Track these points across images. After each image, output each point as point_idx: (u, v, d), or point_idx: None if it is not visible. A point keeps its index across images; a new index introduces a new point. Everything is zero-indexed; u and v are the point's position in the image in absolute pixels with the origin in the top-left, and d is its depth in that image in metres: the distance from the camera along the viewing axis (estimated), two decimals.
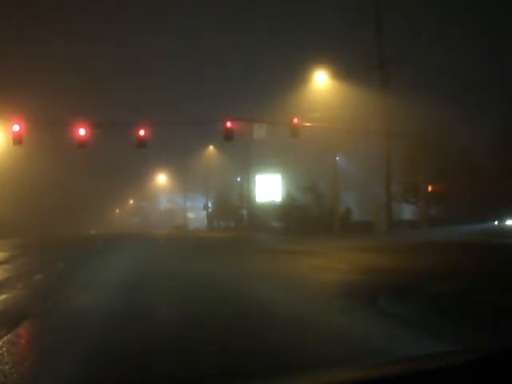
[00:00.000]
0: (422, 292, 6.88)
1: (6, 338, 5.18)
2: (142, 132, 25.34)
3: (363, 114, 28.62)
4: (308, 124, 28.02)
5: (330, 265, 12.13)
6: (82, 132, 24.91)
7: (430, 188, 28.94)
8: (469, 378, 1.83)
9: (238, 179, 53.87)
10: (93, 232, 61.79)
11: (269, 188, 46.96)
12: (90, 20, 78.08)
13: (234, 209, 52.30)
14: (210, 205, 58.86)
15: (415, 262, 12.05)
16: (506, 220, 26.68)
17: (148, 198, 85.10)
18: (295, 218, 35.00)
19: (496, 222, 27.39)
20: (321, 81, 29.85)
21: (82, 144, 25.44)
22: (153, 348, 4.80)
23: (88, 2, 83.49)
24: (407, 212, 35.73)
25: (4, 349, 4.74)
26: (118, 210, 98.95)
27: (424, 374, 1.86)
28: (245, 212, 49.83)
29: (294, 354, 4.52)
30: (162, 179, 75.47)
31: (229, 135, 25.69)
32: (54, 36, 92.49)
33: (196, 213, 69.99)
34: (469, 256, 12.57)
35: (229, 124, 25.31)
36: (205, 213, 61.05)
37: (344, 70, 28.76)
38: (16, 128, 24.24)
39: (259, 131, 27.53)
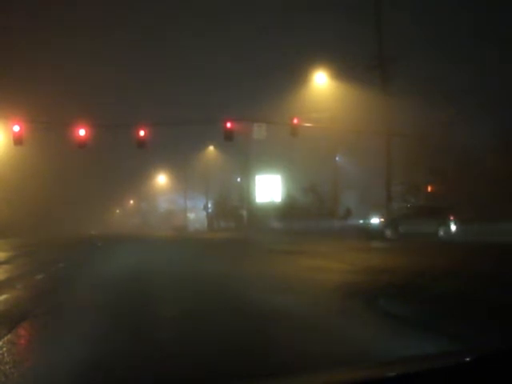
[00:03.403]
0: (422, 291, 6.89)
1: (6, 337, 5.18)
2: (141, 132, 25.38)
3: (363, 114, 28.62)
4: (308, 124, 28.06)
5: (330, 265, 12.12)
6: (82, 132, 24.95)
7: (429, 188, 28.95)
8: (469, 378, 1.83)
9: (238, 179, 53.86)
10: (93, 232, 61.78)
11: (269, 188, 46.96)
12: (89, 20, 77.98)
13: (233, 209, 52.29)
14: (209, 205, 58.84)
15: (414, 261, 12.04)
16: (371, 218, 25.48)
17: (148, 198, 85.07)
18: (295, 219, 35.02)
19: (361, 221, 26.36)
20: (321, 81, 29.90)
21: (82, 144, 25.49)
22: (151, 349, 4.80)
23: (89, 1, 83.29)
24: None
25: (4, 349, 4.74)
26: (118, 211, 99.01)
27: (424, 374, 1.86)
28: (245, 212, 49.82)
29: (294, 353, 4.52)
30: (161, 179, 75.47)
31: (229, 135, 25.73)
32: (54, 36, 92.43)
33: (196, 213, 69.98)
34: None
35: (229, 124, 25.36)
36: (205, 213, 61.04)
37: (344, 70, 28.78)
38: (16, 128, 24.28)
39: (259, 131, 27.56)
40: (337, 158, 32.88)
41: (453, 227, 23.01)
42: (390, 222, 22.83)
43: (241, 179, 52.68)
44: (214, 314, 6.45)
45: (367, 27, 28.36)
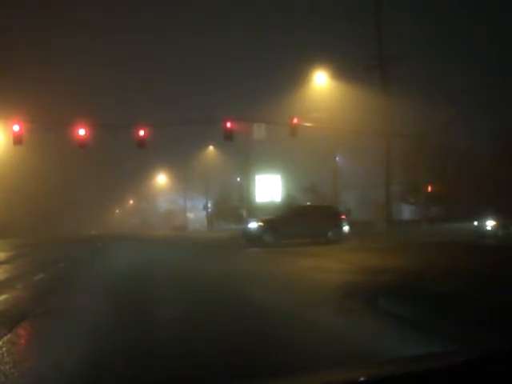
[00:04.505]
0: (423, 291, 6.89)
1: (6, 337, 5.18)
2: (141, 132, 25.36)
3: (363, 114, 28.64)
4: (308, 124, 28.06)
5: (330, 265, 12.12)
6: (82, 132, 24.93)
7: (429, 188, 28.98)
8: (469, 378, 1.83)
9: (238, 179, 53.84)
10: (92, 232, 61.74)
11: (269, 188, 46.94)
12: (89, 20, 77.96)
13: (233, 209, 52.23)
14: (209, 205, 58.81)
15: (414, 261, 12.03)
16: (248, 222, 23.08)
17: (148, 198, 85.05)
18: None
19: (242, 226, 23.26)
20: (321, 81, 29.90)
21: (82, 144, 25.47)
22: (151, 349, 4.80)
23: (89, 1, 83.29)
24: (407, 212, 35.77)
25: (4, 349, 4.74)
26: (117, 211, 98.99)
27: (424, 374, 1.86)
28: (245, 212, 49.76)
29: (294, 353, 4.52)
30: (161, 179, 75.45)
31: (229, 135, 25.72)
32: (54, 36, 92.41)
33: (196, 213, 69.92)
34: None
35: (229, 124, 25.34)
36: (205, 213, 60.99)
37: (344, 70, 28.77)
38: (16, 128, 24.27)
39: (259, 131, 27.56)
40: (337, 158, 32.85)
41: (345, 228, 21.51)
42: (269, 226, 20.70)
43: (241, 179, 52.64)
44: (214, 314, 6.45)
45: (367, 27, 28.39)
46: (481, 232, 21.10)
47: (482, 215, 21.58)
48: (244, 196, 49.73)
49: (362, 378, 1.90)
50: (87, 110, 55.43)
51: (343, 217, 22.01)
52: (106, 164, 69.35)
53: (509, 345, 2.02)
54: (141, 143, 25.76)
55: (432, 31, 51.35)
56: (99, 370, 4.20)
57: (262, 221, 21.75)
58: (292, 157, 41.22)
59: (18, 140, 24.58)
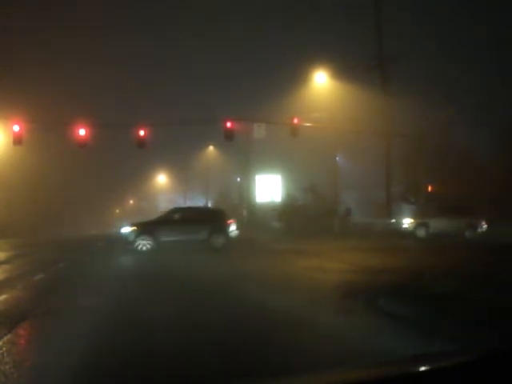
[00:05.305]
0: (421, 291, 6.89)
1: (6, 337, 5.18)
2: (141, 132, 25.35)
3: (363, 114, 28.62)
4: (308, 124, 28.07)
5: (330, 265, 12.11)
6: (82, 132, 24.92)
7: (429, 188, 28.95)
8: (469, 378, 1.83)
9: (238, 179, 53.84)
10: (93, 232, 61.70)
11: (269, 188, 46.93)
12: (89, 20, 77.88)
13: (233, 209, 52.19)
14: (209, 205, 58.79)
15: (414, 261, 12.04)
16: (123, 226, 20.76)
17: (148, 198, 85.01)
18: (295, 219, 34.97)
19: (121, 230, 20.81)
20: (321, 81, 29.91)
21: (83, 144, 25.45)
22: (150, 348, 4.80)
23: (89, 0, 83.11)
24: (407, 212, 35.73)
25: (4, 349, 4.74)
26: (118, 211, 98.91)
27: (424, 374, 1.86)
28: (245, 212, 49.73)
29: (293, 353, 4.52)
30: (161, 179, 75.46)
31: (229, 135, 25.71)
32: (54, 36, 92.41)
33: None
34: None
35: (229, 124, 25.34)
36: None
37: (344, 70, 28.77)
38: (16, 128, 24.26)
39: (259, 131, 27.55)
40: (337, 158, 32.86)
41: (232, 234, 19.54)
42: (144, 230, 18.71)
43: (241, 179, 52.62)
44: (213, 315, 6.45)
45: (367, 27, 28.37)
46: (397, 230, 20.57)
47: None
48: (244, 196, 49.68)
49: (362, 378, 1.90)
50: (87, 110, 55.27)
51: (230, 221, 19.89)
52: (106, 164, 69.22)
53: (509, 345, 2.01)
54: (141, 143, 25.74)
55: (432, 31, 51.26)
56: (99, 370, 4.20)
57: (135, 225, 19.57)
58: (292, 157, 41.22)
59: (17, 140, 24.57)
